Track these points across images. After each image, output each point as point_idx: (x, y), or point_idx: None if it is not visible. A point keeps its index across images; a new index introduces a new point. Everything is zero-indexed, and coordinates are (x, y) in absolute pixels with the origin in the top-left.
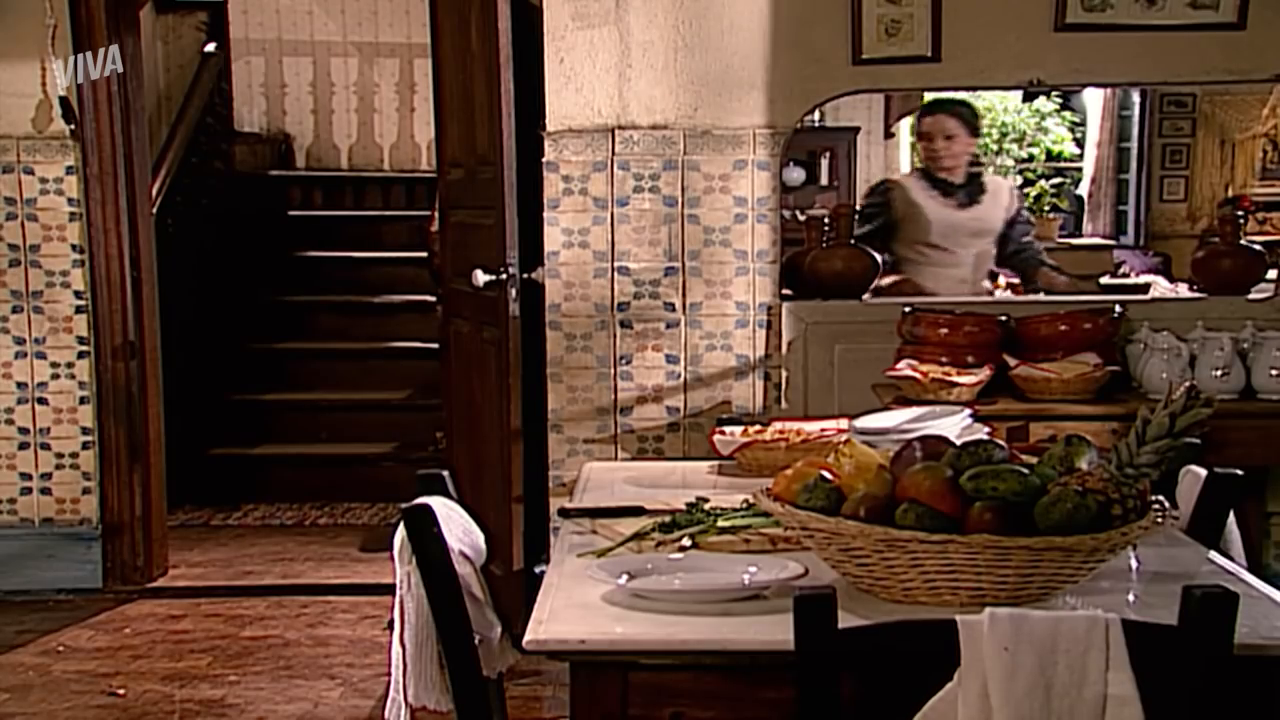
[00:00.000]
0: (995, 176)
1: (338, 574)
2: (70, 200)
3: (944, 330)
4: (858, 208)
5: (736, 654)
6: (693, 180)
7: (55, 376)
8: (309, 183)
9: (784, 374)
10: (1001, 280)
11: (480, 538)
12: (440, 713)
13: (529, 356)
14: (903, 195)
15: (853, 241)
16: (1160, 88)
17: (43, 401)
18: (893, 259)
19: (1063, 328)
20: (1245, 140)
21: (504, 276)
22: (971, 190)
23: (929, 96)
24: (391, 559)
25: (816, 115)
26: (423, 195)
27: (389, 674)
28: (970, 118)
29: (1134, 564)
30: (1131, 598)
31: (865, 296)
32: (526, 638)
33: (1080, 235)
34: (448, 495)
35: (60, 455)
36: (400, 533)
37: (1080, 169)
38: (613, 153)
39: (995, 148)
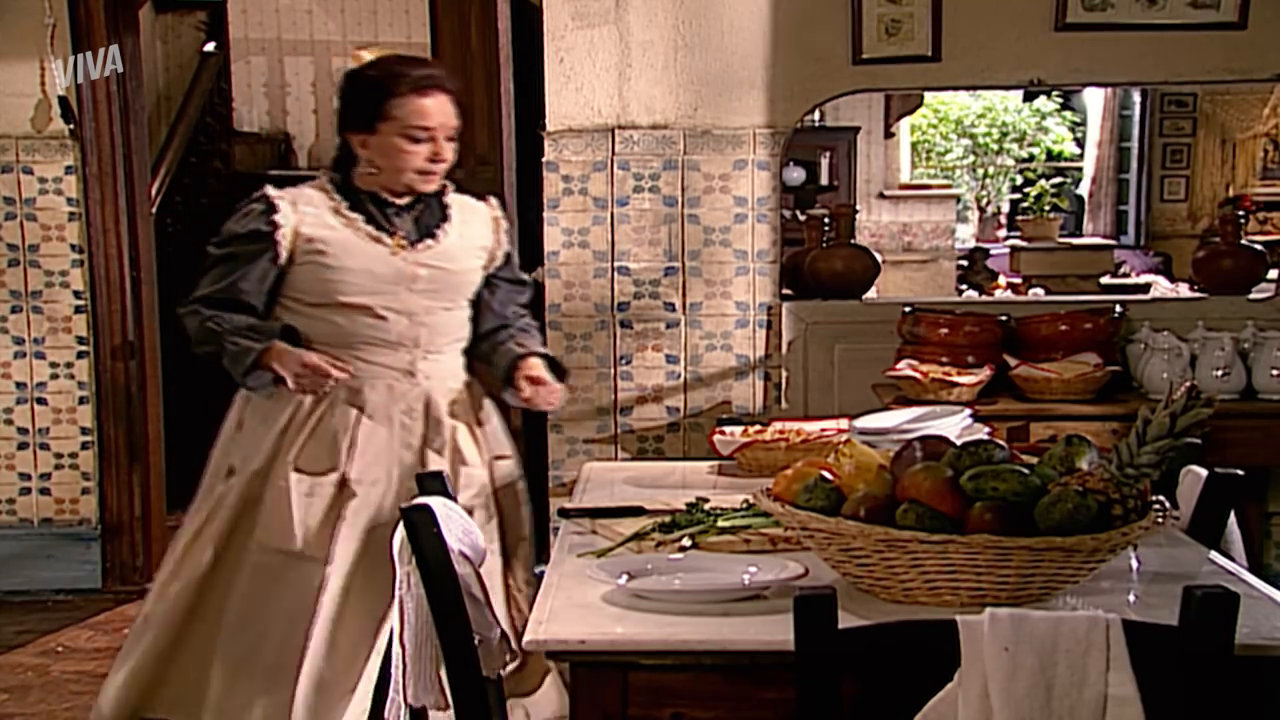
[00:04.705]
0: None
1: None
2: (69, 200)
3: (944, 330)
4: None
5: (736, 654)
6: (693, 180)
7: (55, 376)
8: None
9: (784, 374)
10: (1002, 280)
11: (480, 538)
12: (440, 712)
13: None
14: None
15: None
16: (1161, 87)
17: (42, 401)
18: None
19: (1063, 328)
20: (1246, 140)
21: None
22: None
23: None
24: (391, 559)
25: (816, 115)
26: None
27: (389, 674)
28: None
29: (1134, 564)
30: (1132, 598)
31: (865, 296)
32: (526, 638)
33: (1080, 235)
34: (448, 495)
35: (60, 455)
36: (400, 533)
37: (1080, 169)
38: (613, 153)
39: (995, 148)
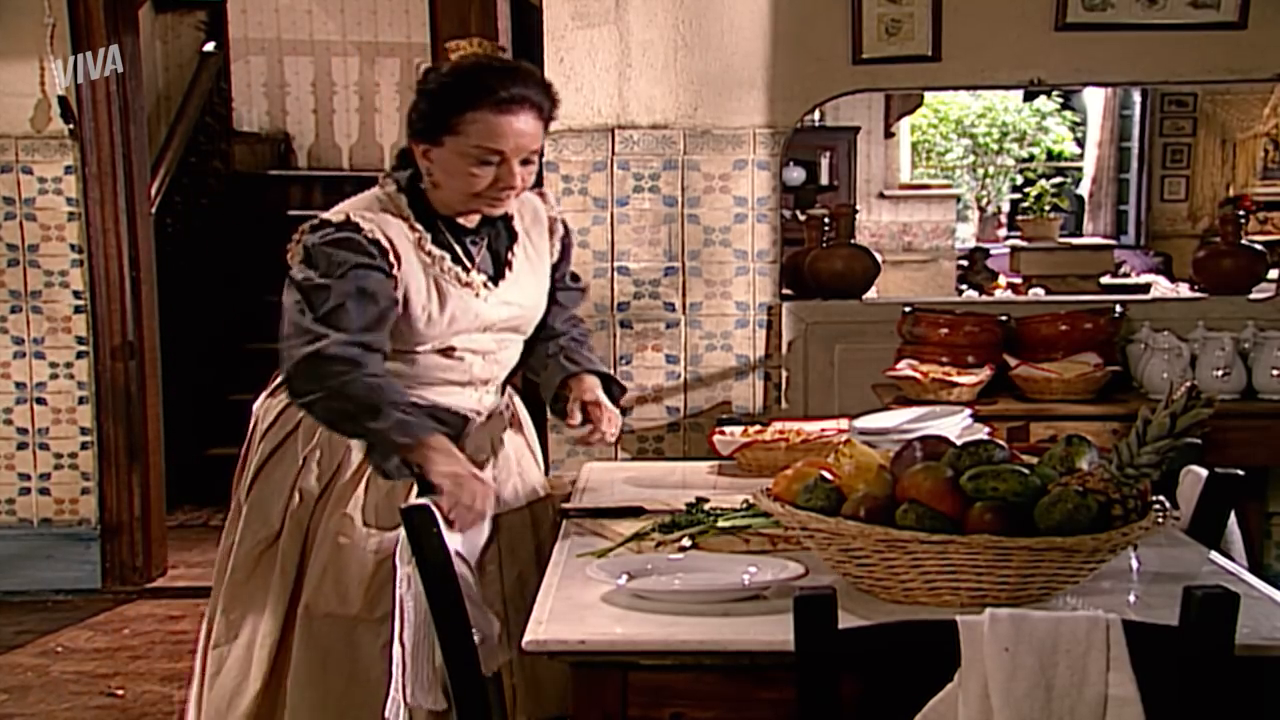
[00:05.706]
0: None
1: None
2: (69, 200)
3: (944, 330)
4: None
5: (736, 654)
6: (693, 180)
7: (54, 376)
8: (309, 182)
9: (784, 374)
10: (1002, 280)
11: (480, 538)
12: (439, 712)
13: None
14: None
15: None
16: (1161, 87)
17: (41, 401)
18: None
19: (1063, 328)
20: (1246, 140)
21: None
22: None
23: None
24: (391, 559)
25: (816, 115)
26: None
27: (389, 674)
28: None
29: (1134, 564)
30: (1132, 598)
31: (866, 296)
32: (526, 638)
33: (1081, 235)
34: None
35: (59, 455)
36: (400, 533)
37: (1081, 168)
38: (613, 152)
39: (995, 148)
